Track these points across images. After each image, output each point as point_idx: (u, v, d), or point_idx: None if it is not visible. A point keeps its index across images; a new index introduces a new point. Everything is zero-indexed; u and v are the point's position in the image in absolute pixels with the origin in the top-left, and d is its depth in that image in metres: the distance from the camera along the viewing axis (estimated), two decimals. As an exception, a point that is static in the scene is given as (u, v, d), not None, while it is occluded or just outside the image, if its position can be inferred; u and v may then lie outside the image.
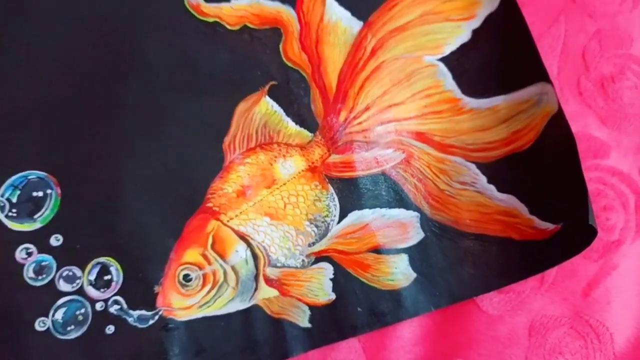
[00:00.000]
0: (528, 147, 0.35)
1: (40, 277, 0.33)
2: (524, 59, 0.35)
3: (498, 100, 0.35)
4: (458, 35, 0.36)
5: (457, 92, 0.35)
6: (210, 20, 0.36)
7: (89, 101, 0.34)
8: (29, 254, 0.33)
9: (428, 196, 0.35)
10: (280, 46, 0.36)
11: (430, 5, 0.36)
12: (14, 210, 0.33)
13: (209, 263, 0.34)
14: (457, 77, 0.35)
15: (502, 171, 0.35)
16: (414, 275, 0.35)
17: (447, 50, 0.35)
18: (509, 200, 0.35)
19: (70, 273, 0.33)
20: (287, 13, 0.36)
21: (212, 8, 0.36)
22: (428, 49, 0.36)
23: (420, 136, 0.36)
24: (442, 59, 0.35)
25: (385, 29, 0.36)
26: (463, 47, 0.35)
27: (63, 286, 0.33)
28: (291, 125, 0.35)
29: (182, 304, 0.34)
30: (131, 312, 0.33)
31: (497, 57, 0.35)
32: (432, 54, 0.36)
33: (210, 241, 0.34)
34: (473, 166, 0.35)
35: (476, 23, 0.35)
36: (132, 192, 0.34)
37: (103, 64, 0.34)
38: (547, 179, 0.35)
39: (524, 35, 0.34)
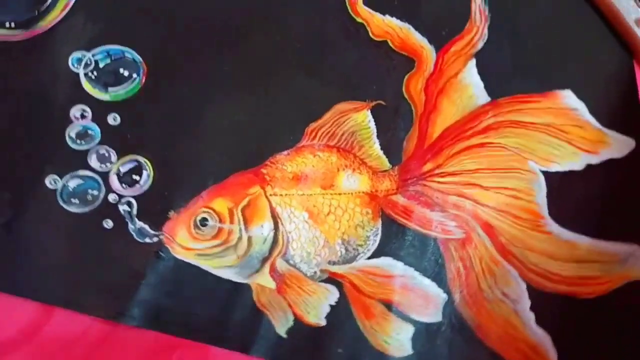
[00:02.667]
0: (590, 298, 0.32)
1: (78, 141, 0.33)
2: (627, 215, 0.34)
3: (581, 239, 0.33)
4: (572, 160, 0.35)
5: (543, 209, 0.34)
6: (359, 20, 0.36)
7: (210, 38, 0.35)
8: (83, 117, 0.33)
9: (465, 286, 0.33)
10: (406, 76, 0.35)
11: (560, 121, 0.35)
12: (95, 73, 0.33)
13: (231, 221, 0.32)
14: (551, 197, 0.34)
15: (551, 307, 0.32)
16: (410, 351, 0.32)
17: (554, 167, 0.34)
18: (543, 338, 0.32)
19: (106, 154, 0.32)
20: (429, 52, 0.36)
21: (366, 12, 0.36)
22: (537, 156, 0.35)
23: (488, 228, 0.34)
24: (545, 173, 0.34)
25: (508, 117, 0.35)
26: (570, 174, 0.34)
27: (92, 161, 0.33)
28: (376, 148, 0.34)
29: (185, 242, 0.32)
30: (136, 220, 0.32)
31: (599, 201, 0.34)
32: (539, 163, 0.34)
33: (244, 202, 0.33)
34: (524, 285, 0.33)
35: (595, 159, 0.35)
36: (206, 124, 0.34)
37: (239, 20, 0.35)
38: (594, 339, 0.32)
39: (636, 193, 0.33)
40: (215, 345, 0.31)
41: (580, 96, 0.35)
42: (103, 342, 0.31)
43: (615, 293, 0.32)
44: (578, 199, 0.34)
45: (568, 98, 0.35)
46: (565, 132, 0.35)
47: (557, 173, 0.34)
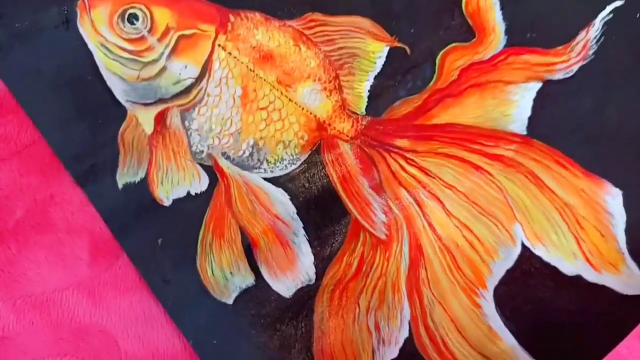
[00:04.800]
0: None
1: None
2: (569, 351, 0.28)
3: (507, 338, 0.28)
4: (565, 258, 0.29)
5: (491, 281, 0.29)
6: None
7: None
8: None
9: (337, 286, 0.29)
10: (454, 44, 0.31)
11: (585, 212, 0.30)
12: None
13: (160, 39, 0.30)
14: (510, 274, 0.29)
15: None
16: (230, 302, 0.29)
17: (539, 250, 0.29)
18: None
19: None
20: (498, 39, 0.31)
21: None
22: (530, 226, 0.29)
23: (416, 252, 0.29)
24: (524, 247, 0.29)
25: (531, 164, 0.30)
26: (552, 269, 0.29)
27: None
28: (364, 85, 0.30)
29: (98, 22, 0.30)
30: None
31: (559, 320, 0.29)
32: (527, 233, 0.29)
33: (187, 32, 0.30)
34: (405, 335, 0.29)
35: (591, 276, 0.29)
36: None
37: None
38: None
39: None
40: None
41: (628, 206, 0.29)
42: None
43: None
44: (539, 300, 0.29)
45: (613, 198, 0.29)
46: (581, 227, 0.29)
47: (537, 258, 0.29)
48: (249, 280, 0.29)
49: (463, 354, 0.28)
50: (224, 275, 0.29)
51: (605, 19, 0.30)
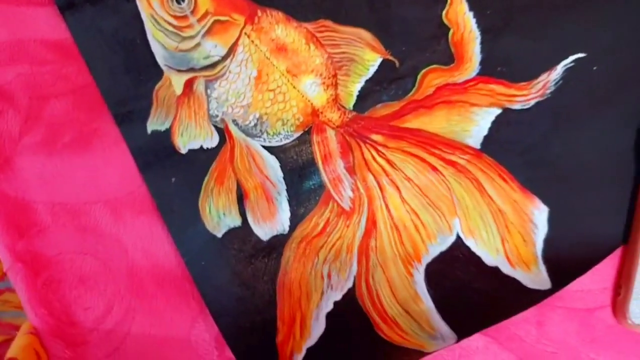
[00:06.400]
0: (384, 339, 0.32)
1: None
2: (479, 318, 0.33)
3: (428, 303, 0.33)
4: (489, 252, 0.33)
5: (425, 259, 0.33)
6: None
7: None
8: None
9: (307, 239, 0.33)
10: (435, 65, 0.34)
11: (513, 219, 0.33)
12: None
13: (200, 20, 0.33)
14: (443, 257, 0.34)
15: (351, 319, 0.32)
16: (220, 236, 0.33)
17: (469, 242, 0.33)
18: (319, 331, 0.32)
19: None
20: (472, 68, 0.34)
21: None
22: (467, 222, 0.33)
23: (371, 225, 0.33)
24: (458, 238, 0.33)
25: (478, 174, 0.34)
26: (476, 258, 0.33)
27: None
28: (356, 87, 0.33)
29: (153, 1, 0.33)
30: None
31: (475, 296, 0.33)
32: (463, 227, 0.33)
33: (222, 18, 0.33)
34: (350, 284, 0.33)
35: (507, 270, 0.33)
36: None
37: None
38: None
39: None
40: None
41: (551, 221, 0.33)
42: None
43: (401, 351, 0.32)
44: (459, 280, 0.32)
45: (540, 212, 0.33)
46: (508, 230, 0.33)
47: (466, 247, 0.33)
48: (237, 221, 0.32)
49: (390, 307, 0.32)
50: (218, 214, 0.32)
51: (567, 66, 0.33)
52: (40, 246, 0.33)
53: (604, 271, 0.33)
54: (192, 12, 0.33)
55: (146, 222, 0.33)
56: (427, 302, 0.32)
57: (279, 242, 0.33)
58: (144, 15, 0.33)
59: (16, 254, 0.32)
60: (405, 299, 0.32)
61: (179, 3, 0.33)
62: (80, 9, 0.33)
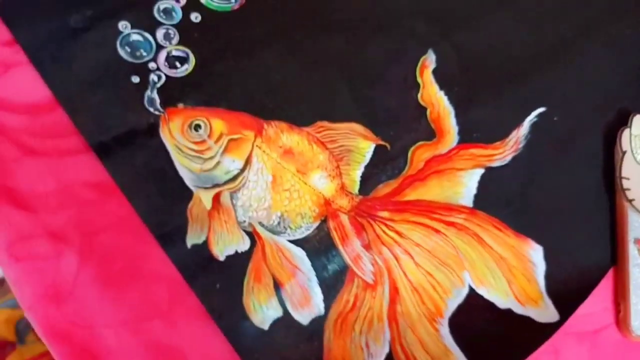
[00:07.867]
0: None
1: (162, 14, 0.39)
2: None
3: (458, 355, 0.35)
4: (500, 296, 0.36)
5: (447, 312, 0.36)
6: (419, 80, 0.39)
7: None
8: (177, 0, 0.39)
9: (342, 316, 0.36)
10: (420, 142, 0.38)
11: (514, 262, 0.36)
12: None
13: (216, 142, 0.37)
14: (461, 309, 0.36)
15: None
16: (266, 328, 0.35)
17: (482, 290, 0.36)
18: None
19: (172, 35, 0.39)
20: (452, 139, 0.38)
21: (429, 78, 0.39)
22: (475, 273, 0.36)
23: (394, 292, 0.35)
24: (471, 289, 0.36)
25: (476, 229, 0.37)
26: (490, 304, 0.36)
27: (159, 33, 0.39)
28: (357, 173, 0.37)
29: (174, 130, 0.37)
30: (155, 91, 0.38)
31: (497, 342, 0.35)
32: (473, 278, 0.36)
33: (235, 136, 0.37)
34: (386, 350, 0.35)
35: (519, 309, 0.36)
36: (259, 65, 0.40)
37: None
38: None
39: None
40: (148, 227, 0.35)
41: (547, 258, 0.36)
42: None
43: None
44: (480, 327, 0.35)
45: (535, 252, 0.36)
46: (512, 274, 0.36)
47: (479, 296, 0.35)
48: (279, 312, 0.34)
49: (425, 365, 0.34)
50: (262, 308, 0.34)
51: (532, 121, 0.37)
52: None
53: (602, 292, 0.36)
54: (209, 136, 0.37)
55: (200, 326, 0.35)
56: (456, 353, 0.34)
57: (318, 324, 0.34)
58: (169, 146, 0.37)
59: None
60: (438, 354, 0.34)
61: (196, 130, 0.37)
62: (114, 152, 0.37)
